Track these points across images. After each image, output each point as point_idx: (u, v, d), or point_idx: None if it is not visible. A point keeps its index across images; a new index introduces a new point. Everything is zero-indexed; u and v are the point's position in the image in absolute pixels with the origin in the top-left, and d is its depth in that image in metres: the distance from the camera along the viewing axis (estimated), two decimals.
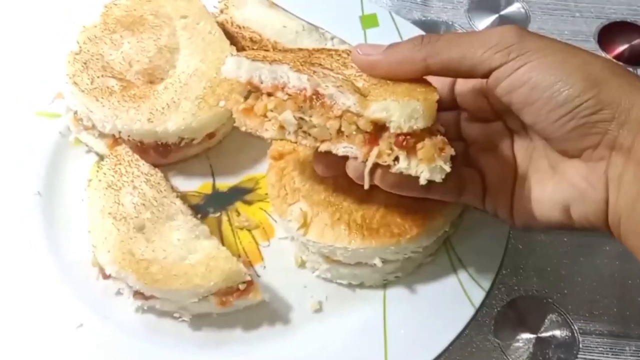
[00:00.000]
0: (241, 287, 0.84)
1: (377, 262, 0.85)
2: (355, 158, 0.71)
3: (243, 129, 0.75)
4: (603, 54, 1.20)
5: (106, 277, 0.87)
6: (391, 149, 0.69)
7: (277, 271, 0.92)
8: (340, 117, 0.70)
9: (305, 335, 0.87)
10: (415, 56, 0.71)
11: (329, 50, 0.85)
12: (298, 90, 0.71)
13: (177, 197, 0.92)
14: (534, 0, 1.27)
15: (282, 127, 0.73)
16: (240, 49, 1.06)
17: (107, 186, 0.89)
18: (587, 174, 0.68)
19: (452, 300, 0.86)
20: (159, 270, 0.82)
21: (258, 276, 0.92)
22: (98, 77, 0.96)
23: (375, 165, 0.71)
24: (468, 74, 0.71)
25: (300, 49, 0.90)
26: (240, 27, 1.06)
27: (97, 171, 0.92)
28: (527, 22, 1.24)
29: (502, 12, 1.25)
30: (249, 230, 0.96)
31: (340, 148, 0.72)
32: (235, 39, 1.06)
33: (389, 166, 0.70)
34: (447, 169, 0.68)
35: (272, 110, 0.73)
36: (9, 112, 1.02)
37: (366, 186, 0.73)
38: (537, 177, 0.74)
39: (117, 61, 0.98)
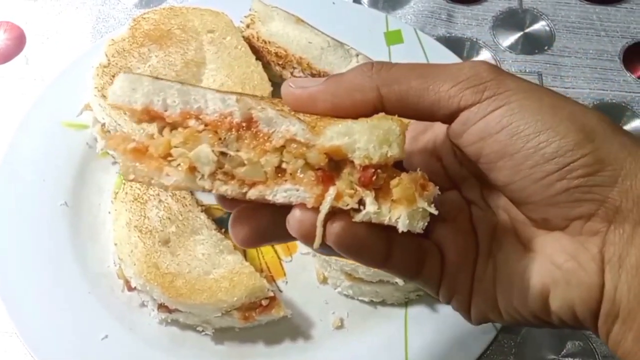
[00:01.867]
0: (264, 302, 0.85)
1: (399, 280, 0.85)
2: (302, 206, 0.51)
3: (130, 178, 0.52)
4: (627, 74, 1.19)
5: (131, 289, 0.88)
6: (353, 189, 0.51)
7: (299, 287, 0.93)
8: (281, 149, 0.52)
9: (326, 351, 0.87)
10: (366, 84, 0.54)
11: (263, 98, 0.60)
12: (221, 116, 0.52)
13: (202, 210, 0.93)
14: (559, 18, 1.27)
15: (192, 170, 0.52)
16: (266, 63, 1.07)
17: (134, 199, 0.90)
18: (574, 252, 0.53)
19: None
20: (184, 284, 0.83)
21: (280, 291, 0.93)
22: None
23: (331, 215, 0.51)
24: (428, 113, 0.54)
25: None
26: (266, 42, 1.07)
27: (124, 184, 0.94)
28: (552, 40, 1.23)
29: (527, 30, 1.25)
30: (272, 246, 0.96)
31: (280, 192, 0.52)
32: (260, 54, 1.07)
33: (349, 214, 0.51)
34: (434, 211, 0.51)
35: (177, 147, 0.52)
36: (37, 123, 1.03)
37: (317, 244, 0.52)
38: (503, 256, 0.57)
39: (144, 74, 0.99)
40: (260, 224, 0.56)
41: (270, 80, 1.02)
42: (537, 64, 1.21)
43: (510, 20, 1.26)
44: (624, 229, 0.51)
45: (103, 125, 0.99)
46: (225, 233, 0.95)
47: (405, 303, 0.90)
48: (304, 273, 0.94)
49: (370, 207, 0.50)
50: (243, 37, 1.07)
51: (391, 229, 0.51)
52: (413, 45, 1.14)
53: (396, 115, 0.53)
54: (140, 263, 0.85)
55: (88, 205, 0.98)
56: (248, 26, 1.09)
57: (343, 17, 1.15)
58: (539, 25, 1.26)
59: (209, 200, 0.99)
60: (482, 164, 0.54)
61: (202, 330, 0.87)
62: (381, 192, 0.51)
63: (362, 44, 1.07)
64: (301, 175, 0.52)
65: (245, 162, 0.52)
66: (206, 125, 0.52)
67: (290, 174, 0.52)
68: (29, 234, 0.93)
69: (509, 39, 1.24)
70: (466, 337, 0.86)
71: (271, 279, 0.93)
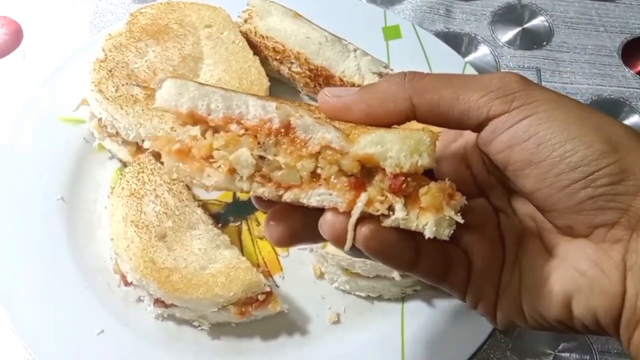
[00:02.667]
0: (260, 297, 0.85)
1: (396, 275, 0.85)
2: (334, 210, 0.54)
3: (174, 177, 0.56)
4: (626, 70, 1.19)
5: (127, 284, 0.88)
6: (384, 195, 0.54)
7: (296, 282, 0.93)
8: (317, 155, 0.54)
9: (323, 346, 0.87)
10: (399, 94, 0.56)
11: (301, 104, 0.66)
12: (261, 122, 0.55)
13: (199, 205, 0.93)
14: (558, 13, 1.26)
15: (231, 172, 0.55)
16: (263, 58, 1.06)
17: (130, 194, 0.90)
18: (597, 259, 0.54)
19: (471, 316, 0.86)
20: (180, 279, 0.83)
21: (277, 286, 0.92)
22: (123, 85, 0.97)
23: (361, 219, 0.54)
24: (458, 122, 0.56)
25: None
26: (263, 37, 1.06)
27: (120, 179, 0.93)
28: (550, 35, 1.23)
29: (525, 25, 1.24)
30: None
31: (314, 196, 0.54)
32: (258, 49, 1.07)
33: (379, 219, 0.54)
34: (460, 220, 0.54)
35: (219, 149, 0.55)
36: (34, 118, 1.03)
37: (347, 247, 0.55)
38: (528, 263, 0.59)
39: (141, 69, 0.99)
40: (293, 225, 0.58)
41: (267, 75, 1.02)
42: (536, 59, 1.21)
43: (508, 15, 1.26)
44: None
45: (100, 120, 0.99)
46: (222, 228, 0.95)
47: (402, 298, 0.90)
48: (301, 268, 0.94)
49: (399, 213, 0.53)
50: (240, 32, 1.07)
51: (419, 235, 0.53)
52: (411, 40, 1.13)
53: (427, 126, 0.56)
54: (137, 258, 0.84)
55: (84, 200, 0.98)
56: (245, 21, 1.09)
57: (341, 12, 1.15)
58: (538, 21, 1.26)
59: (206, 195, 0.99)
60: (510, 172, 0.56)
61: (199, 326, 0.87)
62: (410, 199, 0.54)
63: (360, 39, 1.07)
64: (335, 181, 0.54)
65: (283, 166, 0.54)
66: (246, 129, 0.55)
67: (325, 179, 0.54)
68: (25, 229, 0.93)
69: (507, 35, 1.24)
70: (463, 332, 0.86)
71: (268, 274, 0.93)
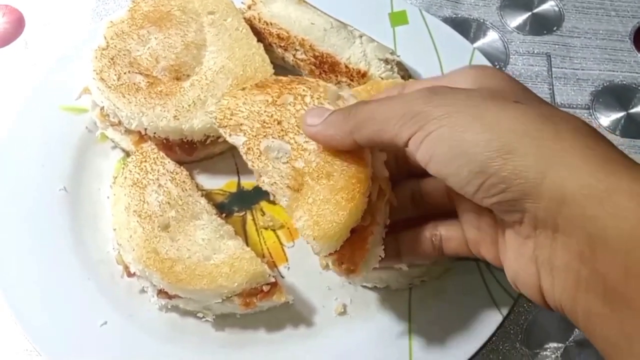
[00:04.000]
0: (265, 288, 0.83)
1: (403, 265, 0.84)
2: None
3: None
4: (638, 55, 1.16)
5: (131, 275, 0.87)
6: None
7: (301, 272, 0.91)
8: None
9: (329, 338, 0.86)
10: (344, 129, 0.68)
11: (300, 88, 0.82)
12: None
13: (202, 195, 0.91)
14: None
15: None
16: (268, 45, 1.05)
17: (133, 184, 0.89)
18: (519, 252, 0.61)
19: (480, 307, 0.85)
20: (183, 270, 0.82)
21: (282, 277, 0.91)
22: (125, 73, 0.95)
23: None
24: (393, 146, 0.64)
25: (276, 81, 0.85)
26: (267, 24, 1.05)
27: (123, 168, 0.92)
28: (561, 20, 1.20)
29: (535, 10, 1.22)
30: (274, 230, 0.95)
31: None
32: (262, 36, 1.05)
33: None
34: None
35: None
36: (36, 107, 1.01)
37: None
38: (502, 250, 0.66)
39: (143, 57, 0.98)
40: None
41: (272, 62, 1.00)
42: (546, 45, 1.18)
43: (518, 0, 1.24)
44: (546, 234, 0.56)
45: (102, 109, 0.97)
46: (226, 218, 0.93)
47: (409, 289, 0.88)
48: (307, 259, 0.91)
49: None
50: (244, 18, 1.05)
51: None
52: (418, 26, 1.11)
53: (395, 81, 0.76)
54: (140, 248, 0.83)
55: (87, 190, 0.97)
56: (249, 7, 1.07)
57: None
58: (548, 5, 1.23)
59: (209, 185, 0.98)
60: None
61: (203, 317, 0.86)
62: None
63: (366, 25, 1.05)
64: None
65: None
66: None
67: None
68: (28, 220, 0.92)
69: (516, 20, 1.21)
70: (471, 323, 0.84)
71: (273, 265, 0.92)
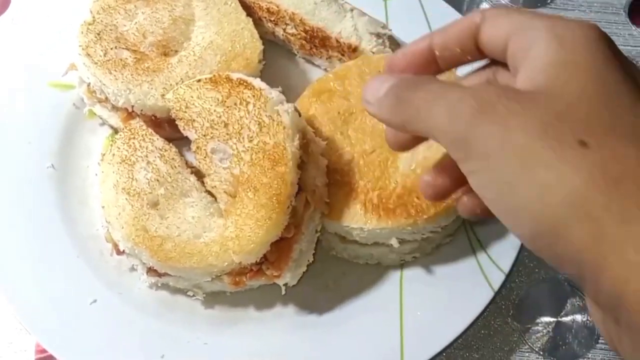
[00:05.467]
0: (255, 267, 0.83)
1: (394, 242, 0.83)
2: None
3: None
4: (633, 28, 1.15)
5: (120, 253, 0.86)
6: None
7: None
8: None
9: (319, 314, 0.86)
10: (396, 121, 0.57)
11: (246, 94, 0.84)
12: None
13: (192, 172, 0.90)
14: None
15: None
16: (257, 20, 1.03)
17: (121, 161, 0.88)
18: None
19: (471, 283, 0.85)
20: (173, 248, 0.81)
21: None
22: (111, 48, 0.94)
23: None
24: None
25: (227, 79, 0.86)
26: None
27: (111, 145, 0.91)
28: None
29: None
30: None
31: None
32: (251, 10, 1.03)
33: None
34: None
35: None
36: (22, 83, 1.00)
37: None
38: None
39: (130, 32, 0.96)
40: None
41: (261, 37, 0.98)
42: None
43: None
44: (610, 319, 0.48)
45: (89, 85, 0.96)
46: None
47: (401, 265, 0.88)
48: None
49: None
50: None
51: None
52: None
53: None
54: (128, 226, 0.82)
55: (76, 168, 0.96)
56: None
57: None
58: None
59: None
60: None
61: (193, 295, 0.85)
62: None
63: None
64: None
65: None
66: None
67: None
68: (16, 198, 0.91)
69: None
70: (463, 299, 0.84)
71: None
